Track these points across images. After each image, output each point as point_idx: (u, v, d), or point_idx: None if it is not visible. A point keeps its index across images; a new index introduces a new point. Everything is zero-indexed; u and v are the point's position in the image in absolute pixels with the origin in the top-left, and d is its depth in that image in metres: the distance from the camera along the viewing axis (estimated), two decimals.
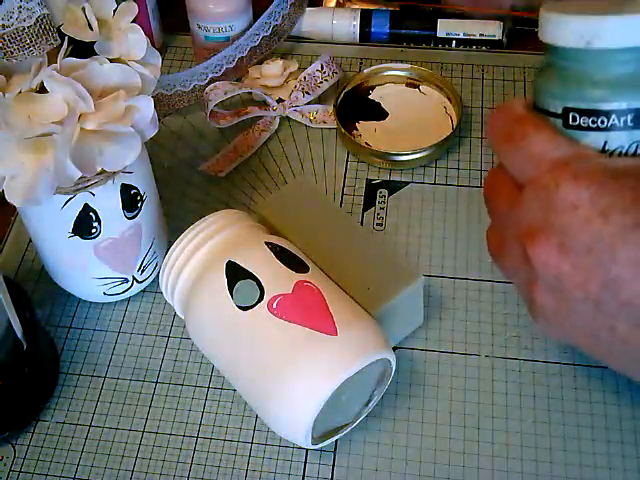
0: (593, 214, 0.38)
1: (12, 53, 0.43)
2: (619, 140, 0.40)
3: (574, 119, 0.41)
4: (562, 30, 0.40)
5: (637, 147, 0.40)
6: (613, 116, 0.40)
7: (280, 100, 0.68)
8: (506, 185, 0.43)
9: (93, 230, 0.50)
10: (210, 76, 0.69)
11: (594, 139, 0.40)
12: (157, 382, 0.53)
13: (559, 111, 0.41)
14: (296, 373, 0.43)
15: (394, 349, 0.52)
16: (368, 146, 0.64)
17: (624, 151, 0.40)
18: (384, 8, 0.75)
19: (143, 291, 0.57)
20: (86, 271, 0.53)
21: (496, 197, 0.44)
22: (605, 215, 0.37)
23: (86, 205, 0.48)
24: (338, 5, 0.77)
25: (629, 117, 0.40)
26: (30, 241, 0.60)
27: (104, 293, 0.54)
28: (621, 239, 0.37)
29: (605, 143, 0.40)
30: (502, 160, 0.43)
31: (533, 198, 0.40)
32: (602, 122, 0.40)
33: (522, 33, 0.73)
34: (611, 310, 0.39)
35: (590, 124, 0.40)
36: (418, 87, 0.68)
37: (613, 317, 0.39)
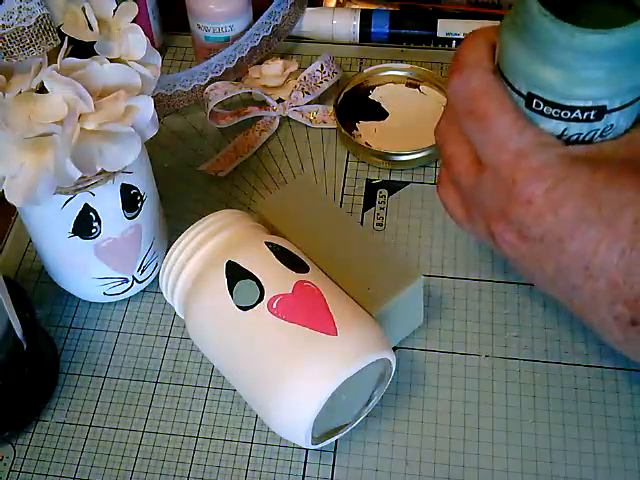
0: (545, 209, 0.40)
1: (12, 53, 0.43)
2: (579, 129, 0.41)
3: (538, 105, 0.41)
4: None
5: (594, 134, 0.41)
6: (577, 111, 0.40)
7: (280, 100, 0.68)
8: (465, 148, 0.45)
9: (93, 230, 0.50)
10: (210, 76, 0.69)
11: (554, 126, 0.41)
12: (157, 382, 0.53)
13: (523, 92, 0.41)
14: (296, 373, 0.43)
15: (394, 349, 0.52)
16: (368, 146, 0.64)
17: (581, 138, 0.41)
18: (384, 8, 0.75)
19: (143, 291, 0.57)
20: (86, 271, 0.53)
21: (454, 154, 0.46)
22: (555, 211, 0.40)
23: (86, 205, 0.48)
24: (338, 5, 0.77)
25: (592, 112, 0.40)
26: (30, 241, 0.60)
27: (104, 293, 0.54)
28: (568, 234, 0.40)
29: (565, 129, 0.41)
30: (462, 127, 0.44)
31: (493, 187, 0.43)
32: (565, 114, 0.40)
33: None
34: (564, 289, 0.43)
35: (553, 114, 0.41)
36: (418, 87, 0.68)
37: (567, 293, 0.43)
